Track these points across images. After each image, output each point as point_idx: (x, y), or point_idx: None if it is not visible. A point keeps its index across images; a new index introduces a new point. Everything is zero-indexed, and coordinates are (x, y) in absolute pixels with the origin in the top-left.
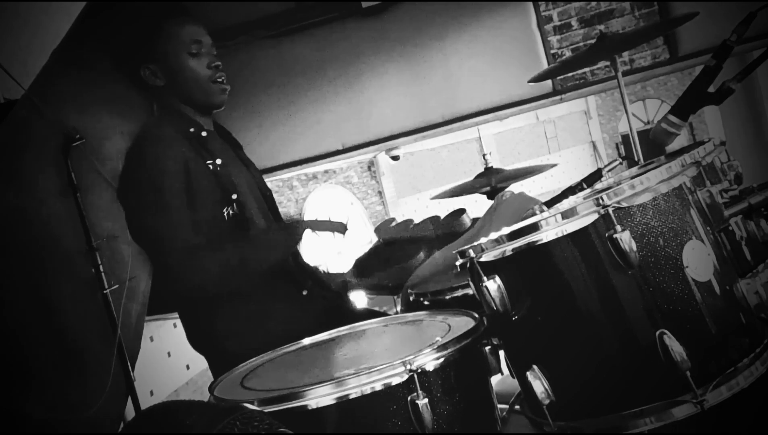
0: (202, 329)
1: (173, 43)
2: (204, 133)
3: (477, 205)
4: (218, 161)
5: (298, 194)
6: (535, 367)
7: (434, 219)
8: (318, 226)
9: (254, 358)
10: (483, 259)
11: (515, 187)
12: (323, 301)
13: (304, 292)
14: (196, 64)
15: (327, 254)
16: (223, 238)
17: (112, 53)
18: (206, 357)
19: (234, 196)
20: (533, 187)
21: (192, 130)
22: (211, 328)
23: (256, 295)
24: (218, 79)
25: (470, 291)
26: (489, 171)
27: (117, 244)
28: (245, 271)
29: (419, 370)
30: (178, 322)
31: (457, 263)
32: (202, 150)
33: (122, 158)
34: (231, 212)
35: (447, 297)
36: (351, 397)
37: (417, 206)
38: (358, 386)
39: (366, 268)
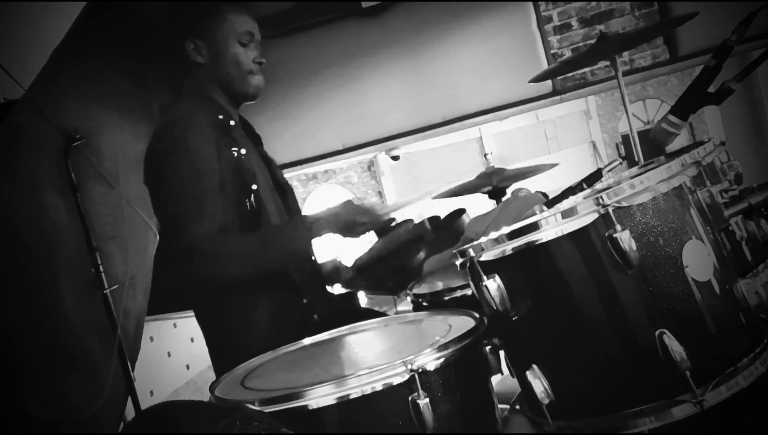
0: (215, 323)
1: (227, 26)
2: (232, 122)
3: (477, 205)
4: (243, 151)
5: (298, 194)
6: (534, 366)
7: (434, 219)
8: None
9: (255, 358)
10: (483, 258)
11: (515, 187)
12: (329, 305)
13: (305, 301)
14: (243, 54)
15: (327, 254)
16: (243, 227)
17: (161, 17)
18: (211, 353)
19: (254, 187)
20: (533, 188)
21: (221, 117)
22: (223, 324)
23: (263, 294)
24: (257, 73)
25: (470, 291)
26: (490, 170)
27: (116, 243)
28: (266, 259)
29: (420, 370)
30: (179, 322)
31: (457, 263)
32: (228, 138)
33: (122, 157)
34: (249, 203)
35: (446, 298)
36: (352, 397)
37: (417, 206)
38: (358, 386)
39: (366, 268)
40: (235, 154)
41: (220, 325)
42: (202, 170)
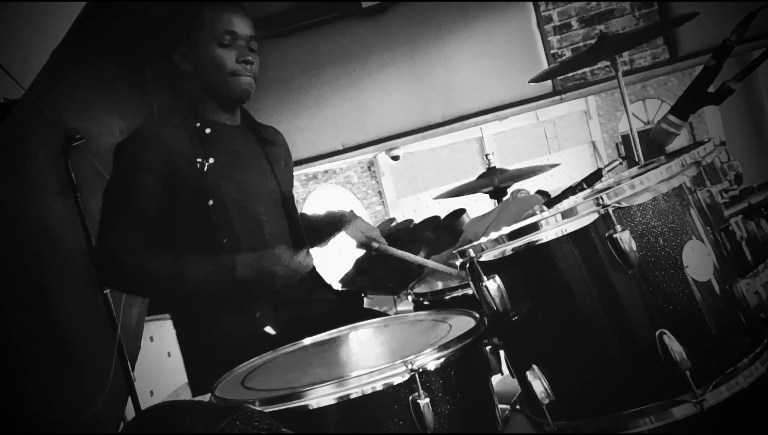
0: (196, 332)
1: (206, 30)
2: (208, 130)
3: (477, 205)
4: (210, 160)
5: (298, 194)
6: (534, 366)
7: (434, 219)
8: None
9: (255, 358)
10: (483, 258)
11: (515, 187)
12: (325, 304)
13: (257, 314)
14: (224, 55)
15: (327, 254)
16: (193, 243)
17: (143, 40)
18: (186, 362)
19: (210, 202)
20: (533, 188)
21: (198, 124)
22: (208, 329)
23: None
24: (242, 74)
25: (470, 290)
26: (491, 171)
27: None
28: (179, 288)
29: (420, 370)
30: None
31: (457, 263)
32: (199, 147)
33: None
34: (210, 216)
35: (447, 297)
36: (352, 396)
37: (417, 206)
38: (359, 386)
39: (366, 269)
40: (198, 165)
41: (193, 331)
42: (132, 190)
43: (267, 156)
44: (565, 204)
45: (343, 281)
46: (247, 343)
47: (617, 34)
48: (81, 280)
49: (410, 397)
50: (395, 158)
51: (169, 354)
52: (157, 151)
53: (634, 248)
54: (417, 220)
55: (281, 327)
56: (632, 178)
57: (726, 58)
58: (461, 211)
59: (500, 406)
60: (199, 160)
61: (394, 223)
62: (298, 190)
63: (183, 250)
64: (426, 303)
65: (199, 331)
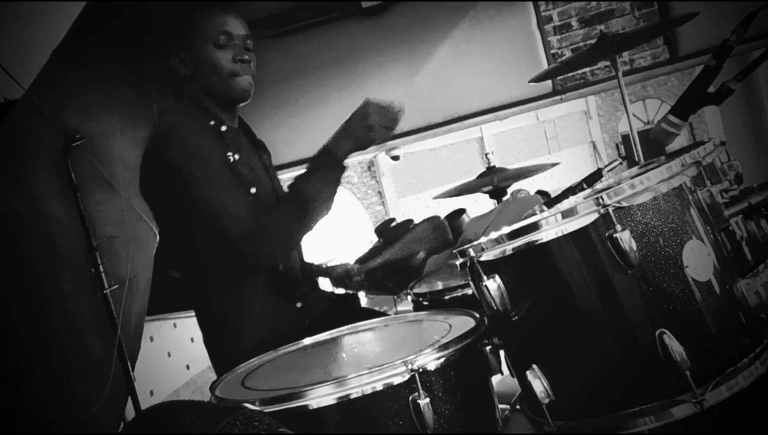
0: (214, 326)
1: (201, 33)
2: (223, 128)
3: (477, 205)
4: (236, 156)
5: None
6: (534, 366)
7: (434, 219)
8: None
9: (255, 358)
10: (483, 258)
11: (515, 187)
12: (326, 302)
13: (298, 305)
14: (221, 56)
15: (327, 254)
16: None
17: (143, 40)
18: (211, 354)
19: (252, 190)
20: (533, 188)
21: (212, 123)
22: (223, 324)
23: (257, 296)
24: (241, 74)
25: (470, 290)
26: (491, 170)
27: (117, 244)
28: (310, 212)
29: (420, 370)
30: (179, 322)
31: (457, 263)
32: (221, 142)
33: (123, 158)
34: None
35: (447, 297)
36: (352, 396)
37: (417, 206)
38: (359, 386)
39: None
40: (231, 158)
41: (218, 325)
42: (213, 169)
43: (261, 160)
44: (565, 204)
45: (355, 285)
46: (289, 333)
47: (617, 34)
48: (81, 280)
49: (410, 397)
50: (395, 158)
51: (169, 354)
52: (203, 139)
53: (634, 248)
54: (417, 220)
55: (285, 330)
56: (632, 178)
57: (726, 58)
58: (461, 211)
59: (500, 406)
60: (229, 153)
61: (393, 223)
62: None
63: None
64: (426, 303)
65: (234, 324)
